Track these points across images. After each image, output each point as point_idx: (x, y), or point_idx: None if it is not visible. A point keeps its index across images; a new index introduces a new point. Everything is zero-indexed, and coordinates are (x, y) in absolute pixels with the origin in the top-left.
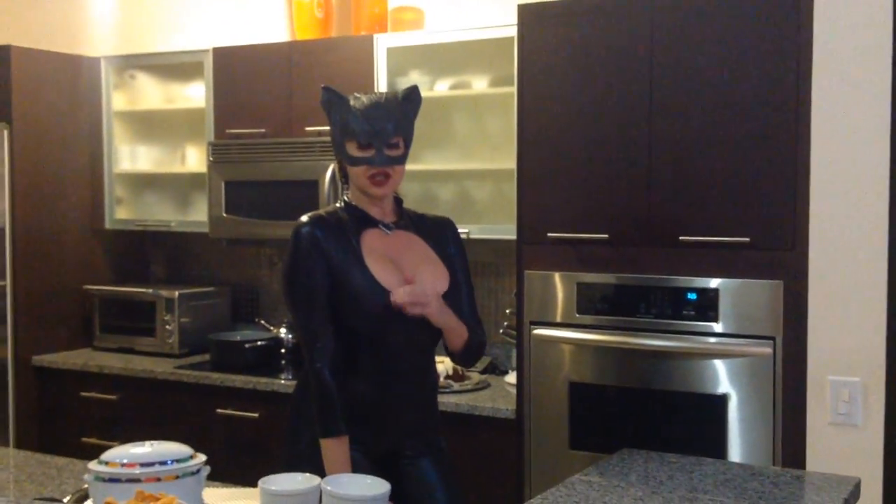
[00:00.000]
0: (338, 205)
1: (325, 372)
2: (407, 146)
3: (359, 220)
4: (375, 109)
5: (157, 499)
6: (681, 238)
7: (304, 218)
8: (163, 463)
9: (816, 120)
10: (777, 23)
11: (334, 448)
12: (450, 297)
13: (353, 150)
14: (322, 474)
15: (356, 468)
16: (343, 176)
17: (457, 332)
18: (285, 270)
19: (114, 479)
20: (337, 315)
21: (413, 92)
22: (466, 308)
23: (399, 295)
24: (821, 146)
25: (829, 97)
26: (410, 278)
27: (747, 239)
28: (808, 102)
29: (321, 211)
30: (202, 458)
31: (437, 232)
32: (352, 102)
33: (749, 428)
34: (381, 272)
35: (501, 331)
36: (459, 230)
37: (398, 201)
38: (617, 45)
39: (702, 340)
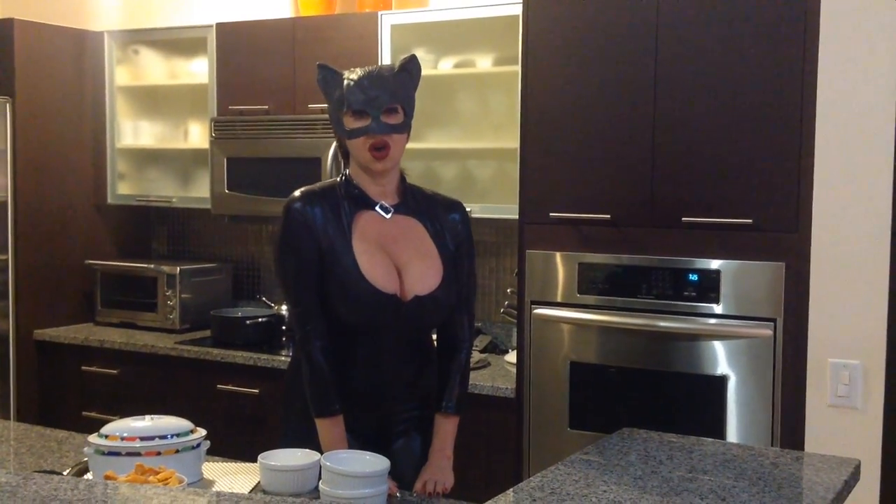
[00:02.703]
0: (338, 179)
1: (317, 352)
2: (407, 115)
3: (356, 199)
4: (369, 79)
5: (157, 472)
6: (683, 219)
7: (297, 193)
8: (163, 437)
9: (821, 102)
10: (783, 4)
11: (330, 427)
12: (444, 290)
13: (349, 121)
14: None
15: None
16: (344, 155)
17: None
18: (276, 248)
19: (114, 453)
20: (326, 301)
21: (410, 62)
22: (463, 302)
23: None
24: (825, 128)
25: (835, 79)
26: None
27: (750, 220)
28: (814, 85)
29: (316, 186)
30: (202, 432)
31: (442, 217)
32: (346, 75)
33: (748, 409)
34: (368, 262)
35: (502, 310)
36: None
37: (404, 180)
38: (622, 24)
39: (702, 321)
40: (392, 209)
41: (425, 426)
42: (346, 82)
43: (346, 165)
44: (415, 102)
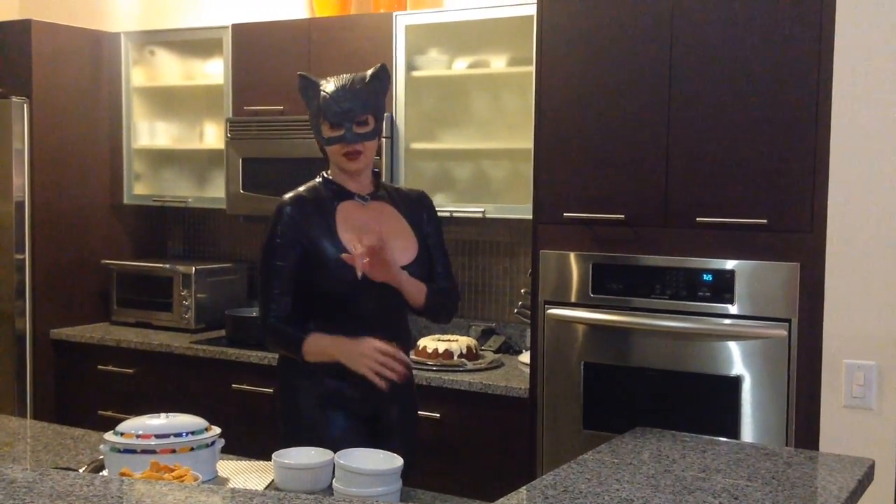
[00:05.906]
0: (318, 180)
1: (274, 320)
2: (378, 121)
3: (336, 193)
4: (343, 92)
5: (172, 470)
6: (698, 219)
7: (286, 197)
8: (178, 435)
9: (837, 102)
10: (799, 3)
11: (316, 341)
12: (418, 265)
13: (326, 130)
14: (319, 444)
15: (336, 423)
16: (323, 153)
17: (414, 290)
18: (263, 243)
19: (129, 450)
20: (314, 282)
21: (381, 71)
22: (441, 269)
23: (356, 257)
24: (840, 128)
25: (851, 78)
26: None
27: (765, 221)
28: (829, 84)
29: (301, 188)
30: (217, 430)
31: (412, 204)
32: (322, 86)
33: (763, 410)
34: (352, 242)
35: (516, 310)
36: (475, 209)
37: (376, 175)
38: (637, 24)
39: (717, 322)
40: (368, 198)
41: (402, 397)
42: (322, 94)
43: (327, 162)
44: (384, 106)
